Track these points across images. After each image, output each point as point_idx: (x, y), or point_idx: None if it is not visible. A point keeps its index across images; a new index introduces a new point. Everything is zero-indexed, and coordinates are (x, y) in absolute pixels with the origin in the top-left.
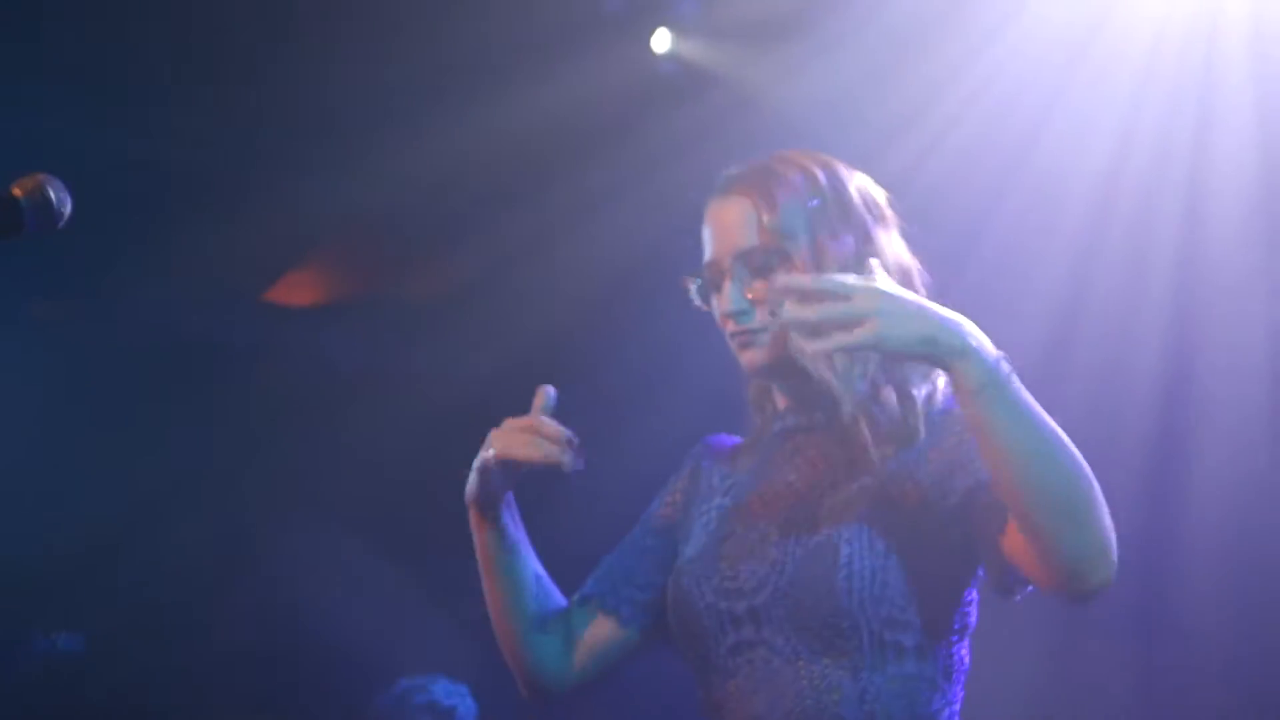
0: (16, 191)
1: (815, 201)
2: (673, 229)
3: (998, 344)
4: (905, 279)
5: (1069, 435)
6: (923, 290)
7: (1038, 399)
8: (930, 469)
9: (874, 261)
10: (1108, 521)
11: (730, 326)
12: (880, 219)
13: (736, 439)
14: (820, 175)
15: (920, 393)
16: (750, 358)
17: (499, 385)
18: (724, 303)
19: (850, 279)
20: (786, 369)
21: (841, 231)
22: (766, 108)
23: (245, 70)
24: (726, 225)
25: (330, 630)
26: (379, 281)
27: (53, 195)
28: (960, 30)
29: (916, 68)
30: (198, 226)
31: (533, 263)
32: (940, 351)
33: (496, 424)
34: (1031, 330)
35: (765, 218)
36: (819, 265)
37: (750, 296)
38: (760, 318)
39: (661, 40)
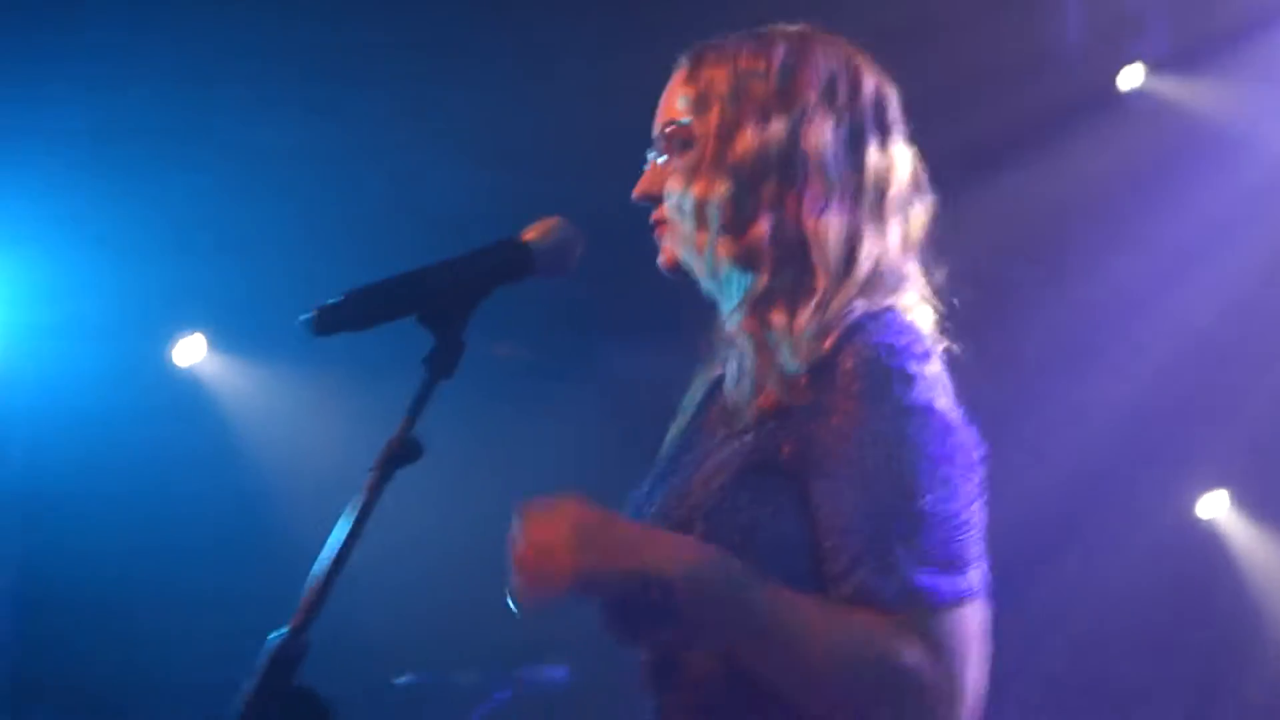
0: (529, 235)
1: (750, 70)
2: (1141, 272)
3: None
4: (849, 186)
5: None
6: (901, 206)
7: None
8: (821, 430)
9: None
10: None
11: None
12: (839, 109)
13: None
14: (778, 43)
15: (816, 316)
16: (660, 257)
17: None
18: (636, 186)
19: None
20: (687, 275)
21: (774, 115)
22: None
23: None
24: (663, 99)
25: None
26: None
27: (565, 240)
28: None
29: None
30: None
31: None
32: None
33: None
34: None
35: (684, 88)
36: (726, 150)
37: (658, 177)
38: (664, 208)
39: (1131, 77)
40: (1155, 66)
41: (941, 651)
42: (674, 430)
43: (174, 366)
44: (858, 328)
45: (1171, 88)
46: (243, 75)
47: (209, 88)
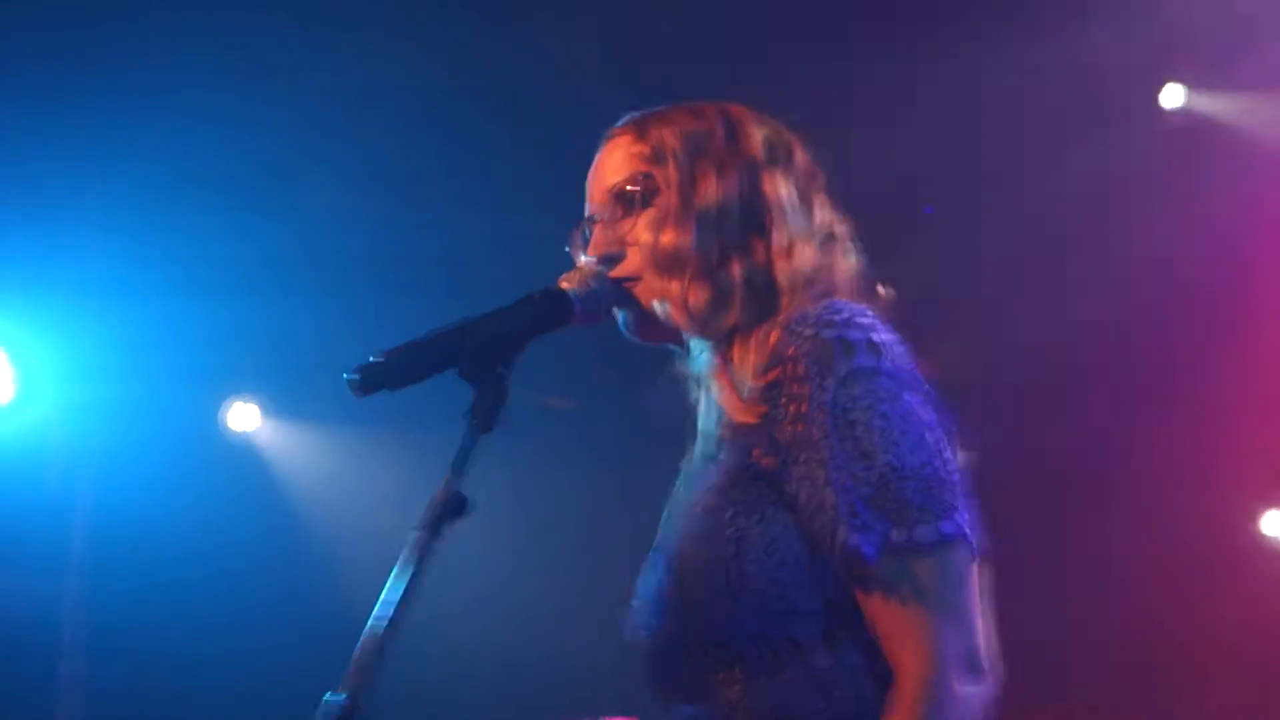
0: (566, 284)
1: (698, 130)
2: (1178, 292)
3: None
4: (806, 229)
5: None
6: (844, 248)
7: None
8: (780, 423)
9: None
10: None
11: None
12: (782, 167)
13: None
14: (715, 112)
15: (769, 328)
16: (629, 316)
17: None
18: (590, 249)
19: None
20: (662, 326)
21: (729, 168)
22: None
23: None
24: (600, 168)
25: None
26: None
27: (602, 286)
28: None
29: None
30: None
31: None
32: None
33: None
34: None
35: (634, 147)
36: (692, 196)
37: (615, 234)
38: (632, 261)
39: (1172, 96)
40: (1191, 84)
41: (932, 598)
42: (683, 474)
43: (228, 431)
44: (798, 319)
45: (1211, 104)
46: (288, 141)
47: (256, 156)
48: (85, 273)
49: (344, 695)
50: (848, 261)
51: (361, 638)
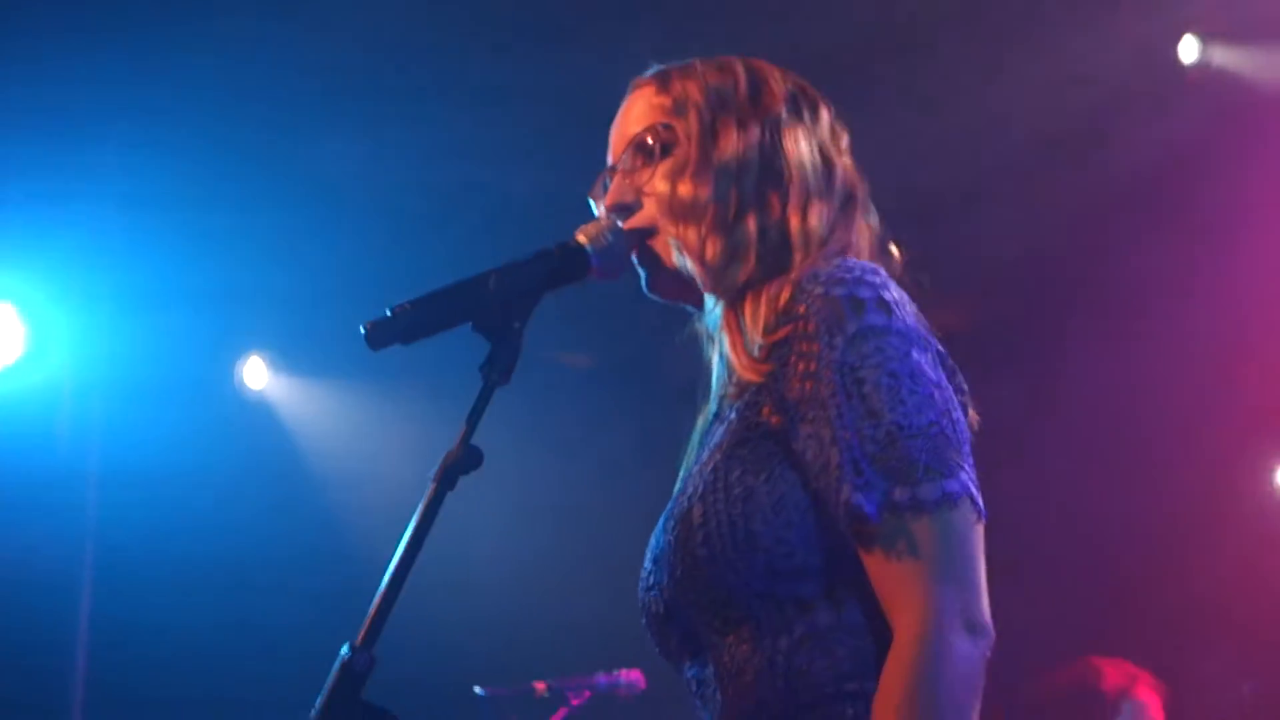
0: (582, 237)
1: (721, 84)
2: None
3: None
4: (824, 187)
5: None
6: (864, 210)
7: None
8: (789, 381)
9: None
10: None
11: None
12: (805, 124)
13: None
14: (738, 65)
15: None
16: (649, 269)
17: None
18: (608, 198)
19: None
20: (679, 282)
21: (750, 122)
22: None
23: None
24: (622, 119)
25: None
26: None
27: (618, 240)
28: None
29: None
30: None
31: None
32: None
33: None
34: None
35: (656, 98)
36: (712, 149)
37: (632, 184)
38: (648, 211)
39: (1188, 49)
40: (1208, 36)
41: (933, 556)
42: (696, 432)
43: (243, 387)
44: (809, 277)
45: (1228, 57)
46: (299, 99)
47: (267, 114)
48: (96, 229)
49: (355, 647)
50: (865, 222)
51: (376, 591)
